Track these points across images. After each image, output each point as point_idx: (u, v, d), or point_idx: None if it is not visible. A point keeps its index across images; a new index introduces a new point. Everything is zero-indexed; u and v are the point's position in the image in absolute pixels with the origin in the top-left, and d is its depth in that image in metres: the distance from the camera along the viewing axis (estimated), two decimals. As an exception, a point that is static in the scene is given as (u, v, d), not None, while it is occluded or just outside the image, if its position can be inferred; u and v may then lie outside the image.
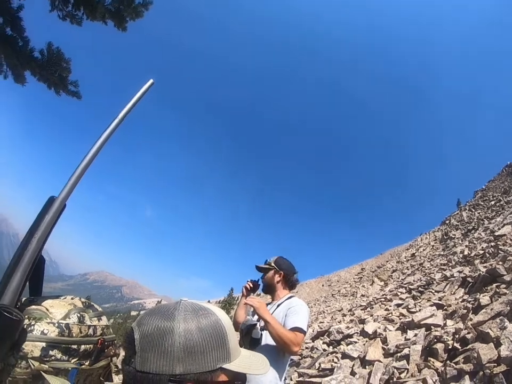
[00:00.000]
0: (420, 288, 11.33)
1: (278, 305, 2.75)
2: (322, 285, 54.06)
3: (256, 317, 2.83)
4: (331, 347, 8.16)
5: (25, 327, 0.87)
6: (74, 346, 0.94)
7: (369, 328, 7.81)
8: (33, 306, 0.95)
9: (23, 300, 0.97)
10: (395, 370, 4.93)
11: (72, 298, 1.07)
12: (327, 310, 20.73)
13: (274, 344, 2.47)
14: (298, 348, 2.42)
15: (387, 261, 36.32)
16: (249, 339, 2.54)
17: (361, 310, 13.46)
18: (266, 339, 2.54)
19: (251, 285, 2.91)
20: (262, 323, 2.59)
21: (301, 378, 6.26)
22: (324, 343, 8.69)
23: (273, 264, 2.94)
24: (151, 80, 1.25)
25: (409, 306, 9.02)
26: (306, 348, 8.84)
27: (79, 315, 0.99)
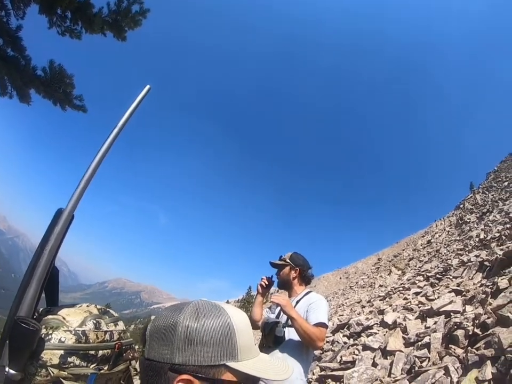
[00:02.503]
0: (437, 275, 11.25)
1: (298, 302, 2.78)
2: (340, 278, 53.84)
3: (274, 315, 2.88)
4: (351, 339, 8.17)
5: (42, 336, 0.90)
6: (92, 352, 0.97)
7: (389, 318, 7.80)
8: (49, 316, 0.98)
9: (40, 310, 1.00)
10: (416, 360, 4.92)
11: (87, 306, 1.10)
12: (346, 303, 20.67)
13: (298, 340, 2.54)
14: (323, 343, 2.50)
15: (403, 250, 36.03)
16: (273, 337, 2.60)
17: (380, 300, 13.42)
18: (289, 335, 2.60)
19: (266, 282, 2.92)
20: (283, 320, 2.68)
21: (323, 372, 6.28)
22: (344, 335, 8.69)
23: (288, 260, 2.96)
24: (148, 86, 1.26)
25: (428, 294, 8.97)
26: (327, 342, 8.85)
27: (95, 321, 1.02)
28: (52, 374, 0.89)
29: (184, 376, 0.73)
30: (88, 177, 1.04)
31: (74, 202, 1.01)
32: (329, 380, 5.96)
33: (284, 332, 2.62)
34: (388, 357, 5.71)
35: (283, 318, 2.75)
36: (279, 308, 2.84)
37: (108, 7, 5.41)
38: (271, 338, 2.62)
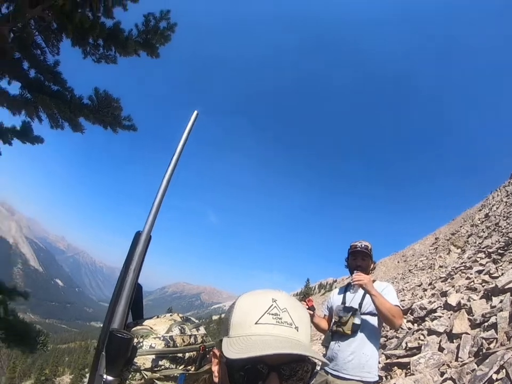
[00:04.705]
0: (499, 251, 10.74)
1: None
2: (398, 262, 52.46)
3: (340, 301, 3.04)
4: (416, 325, 8.07)
5: (135, 344, 1.00)
6: (180, 355, 1.08)
7: (452, 300, 7.61)
8: (138, 327, 1.09)
9: (128, 323, 1.13)
10: (483, 341, 4.83)
11: (170, 315, 1.22)
12: (406, 287, 20.15)
13: (373, 327, 2.78)
14: (402, 321, 2.68)
15: (461, 226, 34.42)
16: (351, 325, 2.77)
17: (442, 282, 13.01)
18: (365, 323, 2.80)
19: (309, 305, 3.05)
20: (350, 303, 2.91)
21: (388, 360, 6.28)
22: (408, 321, 8.58)
23: (371, 253, 3.05)
24: (196, 112, 1.33)
25: (491, 272, 8.62)
26: (391, 329, 8.77)
27: (180, 327, 1.13)
28: (145, 377, 1.00)
29: (215, 350, 0.88)
30: (158, 202, 1.18)
31: (150, 224, 1.14)
32: (395, 367, 5.95)
33: (362, 319, 2.79)
34: (454, 340, 5.62)
35: (353, 303, 2.93)
36: (349, 293, 3.02)
37: (137, 28, 5.64)
38: (349, 327, 2.78)
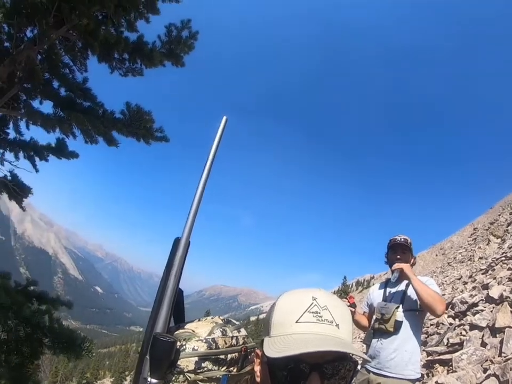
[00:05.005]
0: (542, 239, 10.32)
1: (408, 284, 2.89)
2: (436, 255, 51.01)
3: (381, 298, 3.04)
4: (457, 320, 7.86)
5: (178, 347, 1.01)
6: (222, 356, 1.09)
7: (494, 292, 7.35)
8: (180, 330, 1.11)
9: (170, 327, 1.14)
10: (529, 335, 4.67)
11: (212, 318, 1.24)
12: (445, 281, 19.61)
13: (415, 323, 2.79)
14: (444, 308, 2.66)
15: (499, 215, 33.13)
16: (393, 322, 2.76)
17: (482, 274, 12.61)
18: (407, 319, 2.79)
19: (350, 302, 3.15)
20: (392, 300, 2.91)
21: (430, 357, 6.16)
22: (448, 316, 8.36)
23: (411, 246, 3.06)
24: (225, 118, 1.31)
25: (534, 261, 8.31)
26: (432, 325, 8.59)
27: (221, 329, 1.13)
28: (189, 379, 1.01)
29: (257, 350, 0.89)
30: (195, 208, 1.18)
31: (188, 230, 1.15)
32: (437, 364, 5.83)
33: (403, 316, 2.78)
34: (497, 335, 5.44)
35: (395, 299, 2.92)
36: (389, 289, 3.03)
37: (160, 39, 5.77)
38: (391, 324, 2.77)
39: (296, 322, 0.80)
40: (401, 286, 2.92)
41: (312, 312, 0.81)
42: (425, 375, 5.83)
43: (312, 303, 0.82)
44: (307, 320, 0.80)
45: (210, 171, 1.24)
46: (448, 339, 6.59)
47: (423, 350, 6.65)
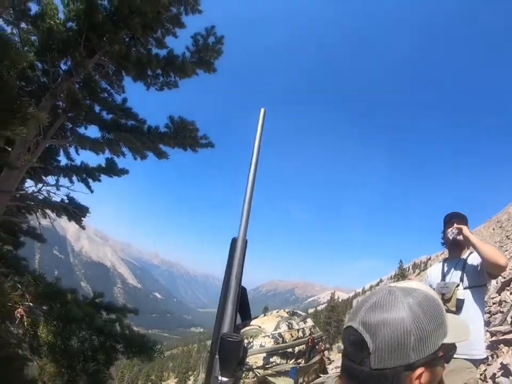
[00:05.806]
0: None
1: (465, 260, 2.88)
2: (493, 229, 48.42)
3: (439, 279, 3.00)
4: (520, 296, 7.54)
5: (245, 345, 1.02)
6: (290, 350, 1.12)
7: (559, 264, 6.99)
8: (247, 328, 1.15)
9: (237, 325, 1.15)
10: None
11: (277, 312, 1.26)
12: (506, 256, 18.70)
13: (477, 301, 2.72)
14: (506, 260, 2.52)
15: (560, 180, 30.90)
16: (455, 301, 2.72)
17: (545, 246, 11.95)
18: (468, 297, 2.73)
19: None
20: (451, 279, 2.86)
21: (494, 338, 5.94)
22: (511, 293, 8.03)
23: (466, 220, 2.99)
24: (263, 109, 1.31)
25: None
26: (494, 303, 8.27)
27: (287, 323, 1.16)
28: (258, 375, 1.06)
29: (419, 371, 0.76)
30: (247, 206, 1.18)
31: (244, 229, 1.15)
32: (502, 344, 5.62)
33: (464, 293, 2.73)
34: None
35: (454, 278, 2.87)
36: (447, 268, 2.98)
37: (189, 50, 5.94)
38: (453, 303, 2.72)
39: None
40: (459, 264, 2.86)
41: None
42: (489, 357, 5.64)
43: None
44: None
45: (257, 165, 1.24)
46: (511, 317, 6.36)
47: (487, 330, 6.43)
